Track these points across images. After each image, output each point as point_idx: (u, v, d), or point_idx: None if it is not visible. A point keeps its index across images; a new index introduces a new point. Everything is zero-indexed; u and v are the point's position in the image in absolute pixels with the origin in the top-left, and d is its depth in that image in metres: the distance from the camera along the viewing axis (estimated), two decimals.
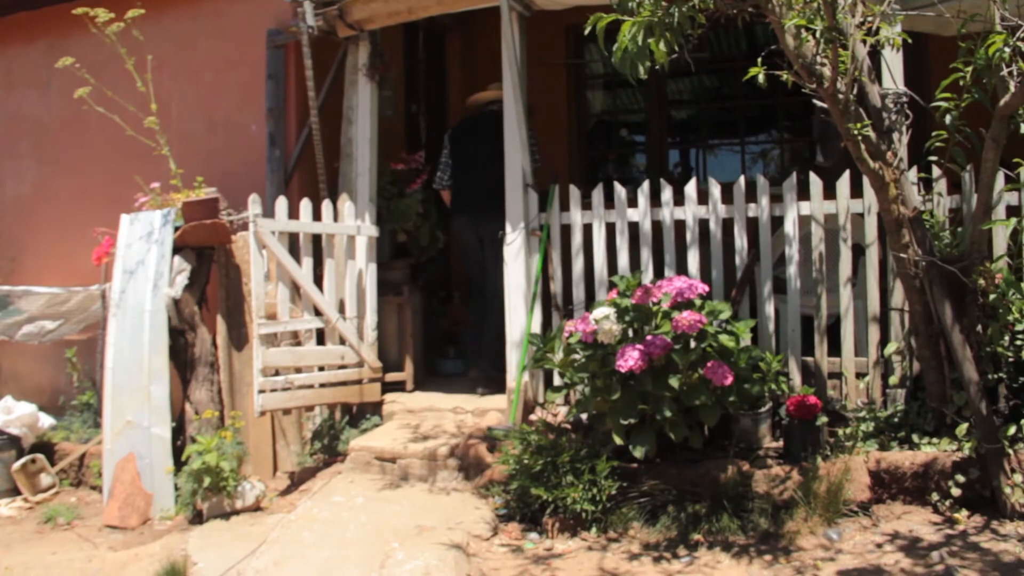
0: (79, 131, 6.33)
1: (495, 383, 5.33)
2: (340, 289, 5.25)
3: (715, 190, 4.78)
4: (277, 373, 4.86)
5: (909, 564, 3.38)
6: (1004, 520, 3.64)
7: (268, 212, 5.06)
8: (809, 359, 4.66)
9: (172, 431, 4.90)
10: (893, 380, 4.40)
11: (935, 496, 3.82)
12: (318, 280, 5.13)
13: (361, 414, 5.36)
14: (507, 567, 3.72)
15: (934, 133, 3.89)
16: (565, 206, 5.09)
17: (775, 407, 4.43)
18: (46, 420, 5.74)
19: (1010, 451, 3.73)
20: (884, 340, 4.47)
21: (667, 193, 4.87)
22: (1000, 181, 4.10)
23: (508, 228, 5.06)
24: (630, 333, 4.22)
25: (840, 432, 4.20)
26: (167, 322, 4.99)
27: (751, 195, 4.74)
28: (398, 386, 5.62)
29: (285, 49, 5.70)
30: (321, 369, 5.10)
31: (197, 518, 4.51)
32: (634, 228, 4.95)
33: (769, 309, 4.69)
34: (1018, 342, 3.96)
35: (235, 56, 5.89)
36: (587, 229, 5.06)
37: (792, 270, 4.66)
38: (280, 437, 5.16)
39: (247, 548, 3.96)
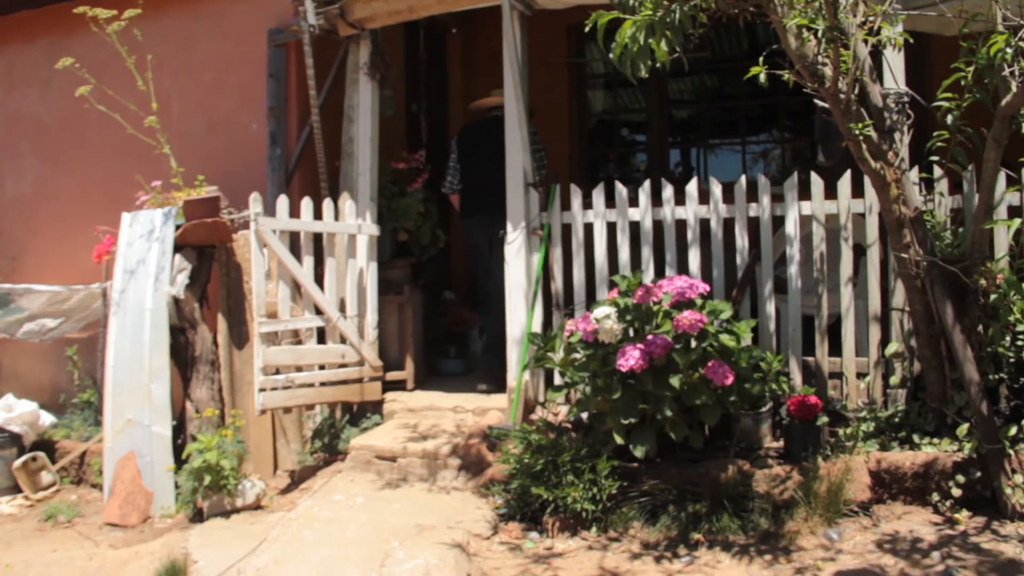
0: (80, 130, 6.33)
1: (499, 382, 5.34)
2: (341, 288, 5.26)
3: (716, 189, 4.78)
4: (278, 371, 4.86)
5: (909, 564, 3.38)
6: (1005, 521, 3.64)
7: (269, 211, 5.06)
8: (810, 359, 4.65)
9: (173, 429, 4.90)
10: (894, 380, 4.40)
11: (936, 496, 3.81)
12: (319, 279, 5.13)
13: (362, 413, 5.36)
14: (507, 566, 3.72)
15: (935, 133, 3.88)
16: (566, 205, 5.09)
17: (776, 407, 4.43)
18: (47, 418, 5.74)
19: (1011, 452, 3.72)
20: (885, 340, 4.47)
21: (668, 192, 4.86)
22: (1002, 181, 4.09)
23: (509, 227, 5.06)
24: (631, 332, 4.22)
25: (841, 432, 4.20)
26: (168, 320, 4.99)
27: (752, 195, 4.74)
28: (399, 385, 5.61)
29: (286, 48, 5.70)
30: (322, 368, 5.10)
31: (197, 516, 4.51)
32: (635, 227, 4.95)
33: (770, 309, 4.68)
34: (1019, 342, 3.96)
35: (236, 55, 5.89)
36: (588, 228, 5.06)
37: (793, 270, 4.66)
38: (281, 436, 5.16)
39: (247, 546, 3.96)
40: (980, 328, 3.93)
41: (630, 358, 3.92)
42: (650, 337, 4.01)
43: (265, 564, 3.77)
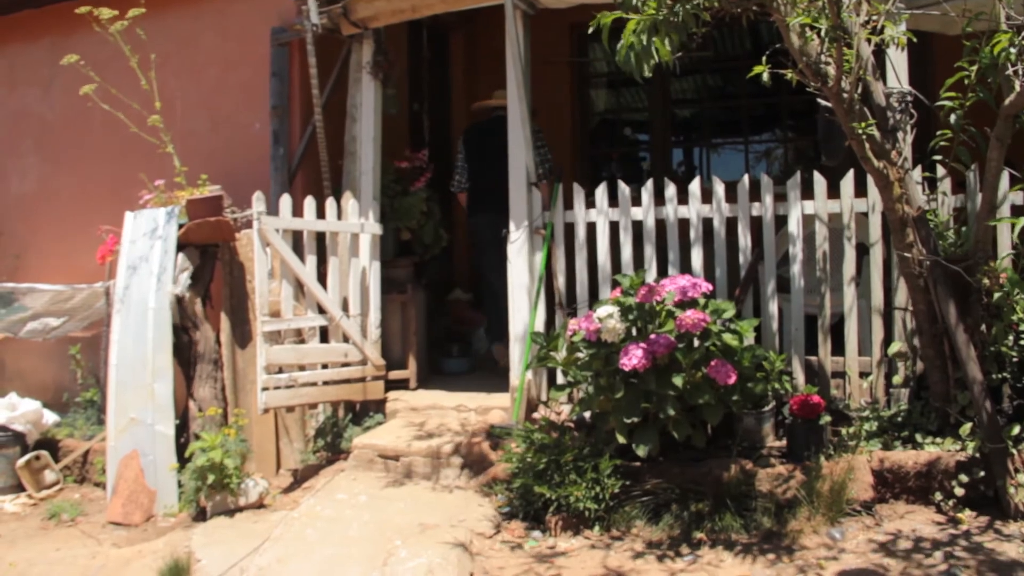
0: (83, 129, 6.33)
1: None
2: (344, 287, 5.26)
3: (719, 189, 4.77)
4: (281, 370, 4.86)
5: (912, 564, 3.37)
6: (1008, 520, 3.63)
7: (272, 210, 5.06)
8: (813, 358, 4.65)
9: (176, 428, 4.91)
10: (897, 379, 4.40)
11: (938, 496, 3.81)
12: (322, 278, 5.14)
13: (364, 412, 5.36)
14: (510, 565, 3.72)
15: (939, 132, 3.88)
16: (569, 204, 5.09)
17: (778, 406, 4.43)
18: (50, 417, 5.75)
19: (1014, 451, 3.72)
20: (888, 339, 4.47)
21: (671, 191, 4.87)
22: (1005, 180, 4.10)
23: (512, 226, 5.06)
24: (634, 331, 4.22)
25: (843, 431, 4.20)
26: (171, 319, 4.99)
27: (755, 194, 4.74)
28: (401, 384, 5.62)
29: (289, 47, 5.70)
30: (325, 367, 5.10)
31: (201, 515, 4.51)
32: (638, 226, 4.95)
33: (773, 308, 4.68)
34: (1022, 342, 3.96)
35: (239, 54, 5.89)
36: (591, 227, 5.06)
37: (796, 269, 4.66)
38: (283, 434, 5.17)
39: (250, 545, 3.96)
40: (983, 327, 3.93)
41: (633, 357, 3.92)
42: (653, 336, 4.01)
43: (268, 563, 3.78)
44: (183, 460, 4.75)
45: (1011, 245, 4.18)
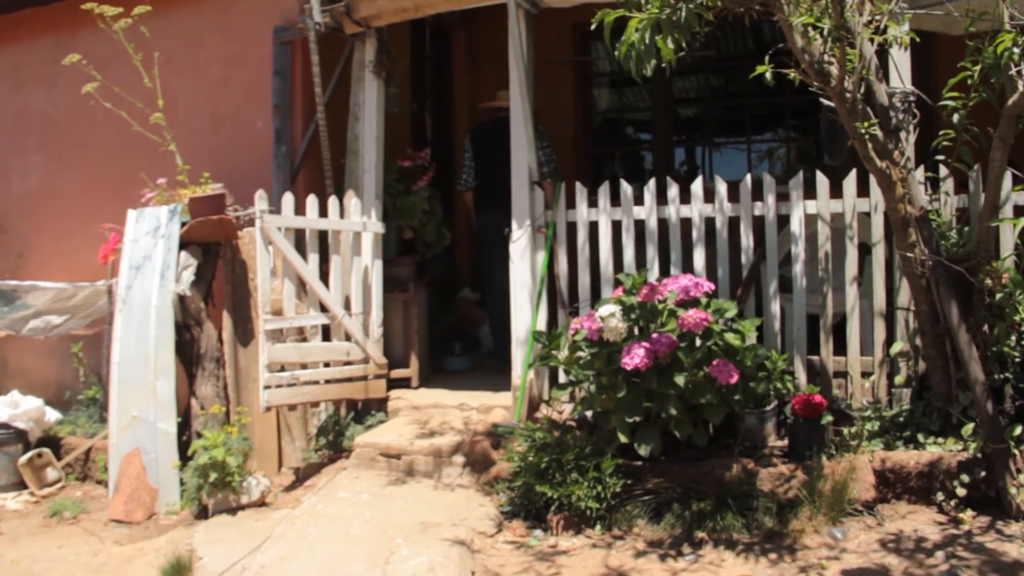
0: (86, 127, 6.34)
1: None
2: (346, 285, 5.26)
3: (721, 188, 4.77)
4: (283, 369, 4.87)
5: (914, 564, 3.37)
6: (1009, 520, 3.63)
7: (274, 208, 5.06)
8: (814, 358, 4.65)
9: (178, 426, 4.91)
10: (899, 379, 4.40)
11: (940, 496, 3.81)
12: (324, 276, 5.14)
13: (366, 410, 5.36)
14: (512, 564, 3.73)
15: (941, 132, 3.88)
16: (571, 203, 5.09)
17: (780, 406, 4.43)
18: (52, 414, 5.76)
19: (1016, 451, 3.72)
20: (890, 339, 4.47)
21: (673, 191, 4.87)
22: (1008, 180, 4.09)
23: (514, 225, 5.06)
24: (636, 331, 4.22)
25: (845, 431, 4.20)
26: (173, 317, 5.00)
27: (757, 194, 4.74)
28: (403, 383, 5.62)
29: (292, 46, 5.71)
30: (326, 365, 5.11)
31: (202, 513, 4.52)
32: (640, 226, 4.95)
33: (775, 308, 4.68)
34: None
35: (242, 52, 5.89)
36: (593, 227, 5.06)
37: (798, 269, 4.65)
38: (285, 433, 5.17)
39: (252, 543, 3.97)
40: (985, 327, 3.93)
41: (635, 356, 3.92)
42: (655, 335, 4.01)
43: (270, 561, 3.78)
44: (185, 458, 4.76)
45: (1013, 245, 4.18)
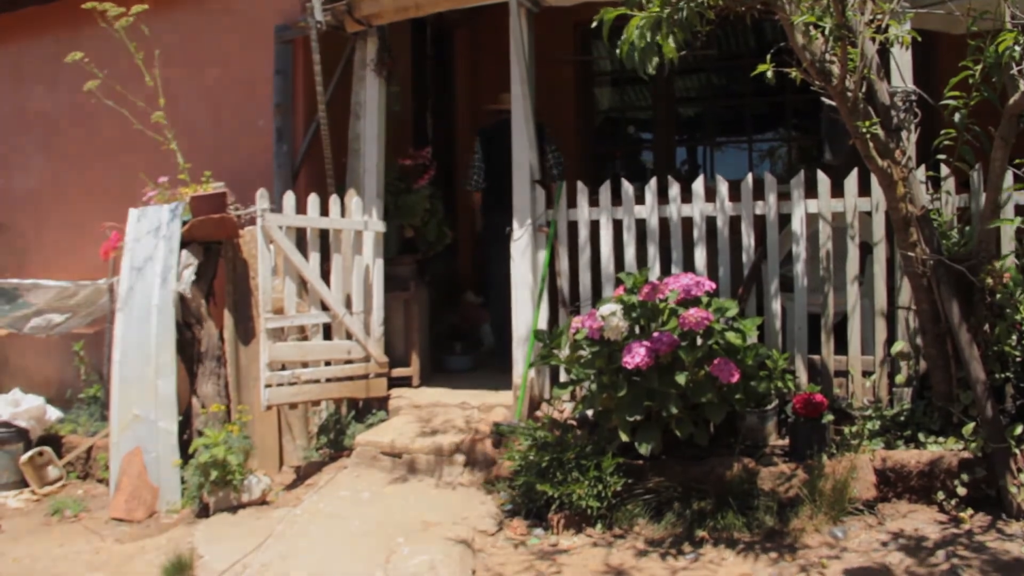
0: (87, 126, 6.34)
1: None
2: (347, 284, 5.26)
3: (722, 187, 4.77)
4: (284, 367, 4.87)
5: (914, 563, 3.38)
6: (1010, 520, 3.64)
7: (275, 207, 5.06)
8: (816, 357, 4.65)
9: (179, 425, 4.92)
10: (900, 379, 4.40)
11: (941, 495, 3.81)
12: (325, 275, 5.14)
13: (367, 409, 5.36)
14: (512, 562, 3.73)
15: (943, 131, 3.88)
16: (572, 202, 5.09)
17: (781, 405, 4.43)
18: (53, 413, 5.76)
19: (1016, 451, 3.72)
20: (891, 339, 4.47)
21: (674, 190, 4.87)
22: (1009, 180, 4.08)
23: (515, 224, 5.06)
24: (637, 330, 4.22)
25: (846, 430, 4.20)
26: (174, 316, 5.00)
27: (758, 193, 4.73)
28: (404, 381, 5.62)
29: (293, 44, 5.71)
30: (327, 364, 5.11)
31: (203, 511, 4.52)
32: (641, 225, 4.95)
33: (776, 307, 4.68)
34: None
35: (243, 51, 5.89)
36: (594, 226, 5.06)
37: (799, 268, 4.65)
38: (286, 431, 5.18)
39: (253, 542, 3.97)
40: (986, 327, 3.93)
41: (636, 355, 3.92)
42: (656, 334, 4.02)
43: (271, 559, 3.79)
44: (186, 457, 4.76)
45: (1014, 245, 4.18)
